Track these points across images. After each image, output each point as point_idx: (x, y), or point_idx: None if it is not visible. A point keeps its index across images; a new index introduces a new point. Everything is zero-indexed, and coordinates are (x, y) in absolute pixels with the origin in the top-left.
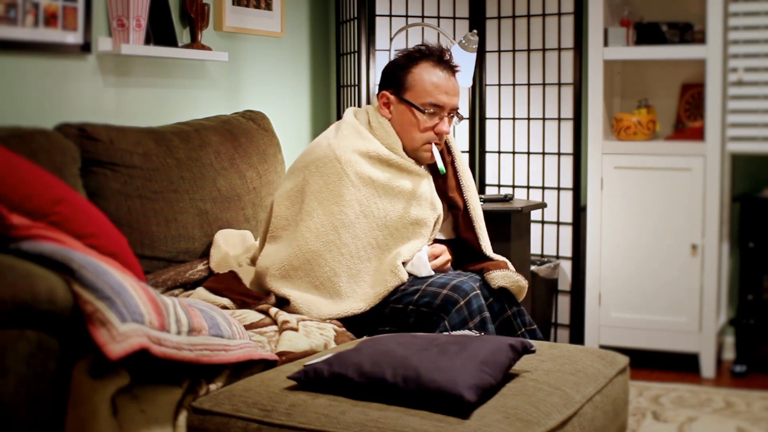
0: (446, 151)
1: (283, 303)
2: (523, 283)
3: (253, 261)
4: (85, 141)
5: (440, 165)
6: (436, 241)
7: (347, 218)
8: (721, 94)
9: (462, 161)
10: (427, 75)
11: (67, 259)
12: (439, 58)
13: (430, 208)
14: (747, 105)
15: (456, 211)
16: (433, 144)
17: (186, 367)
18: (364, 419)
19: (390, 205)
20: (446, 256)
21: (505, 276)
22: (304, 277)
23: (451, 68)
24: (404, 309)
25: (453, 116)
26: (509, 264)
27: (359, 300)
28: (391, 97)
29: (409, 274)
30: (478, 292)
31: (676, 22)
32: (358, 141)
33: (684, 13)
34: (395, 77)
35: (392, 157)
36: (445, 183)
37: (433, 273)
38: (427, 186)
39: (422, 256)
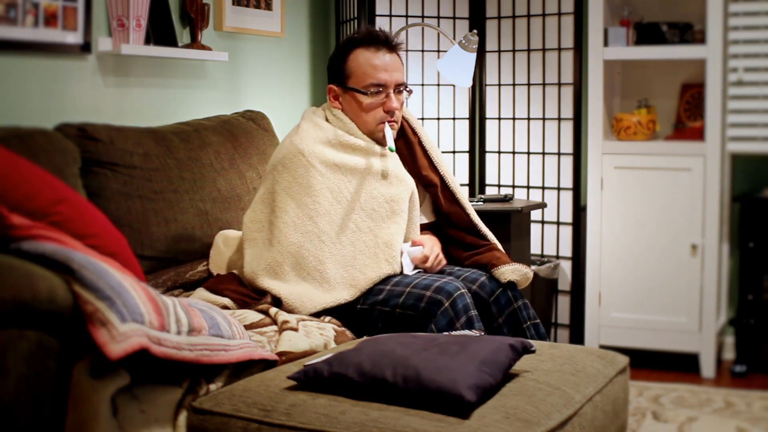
0: (411, 132)
1: (278, 303)
2: (530, 274)
3: None
4: (85, 141)
5: (389, 143)
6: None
7: (321, 207)
8: (721, 94)
9: (429, 139)
10: (362, 58)
11: (67, 259)
12: (371, 39)
13: (400, 183)
14: (747, 105)
15: (434, 189)
16: (386, 123)
17: (186, 367)
18: (364, 419)
19: (360, 187)
20: (439, 259)
21: (515, 270)
22: (291, 271)
23: (386, 46)
24: (392, 312)
25: (401, 91)
26: (499, 245)
27: (349, 286)
28: (337, 89)
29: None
30: (463, 291)
31: (676, 22)
32: (318, 132)
33: (684, 13)
34: (336, 69)
35: (352, 140)
36: (415, 163)
37: (418, 270)
38: (394, 164)
39: (405, 257)
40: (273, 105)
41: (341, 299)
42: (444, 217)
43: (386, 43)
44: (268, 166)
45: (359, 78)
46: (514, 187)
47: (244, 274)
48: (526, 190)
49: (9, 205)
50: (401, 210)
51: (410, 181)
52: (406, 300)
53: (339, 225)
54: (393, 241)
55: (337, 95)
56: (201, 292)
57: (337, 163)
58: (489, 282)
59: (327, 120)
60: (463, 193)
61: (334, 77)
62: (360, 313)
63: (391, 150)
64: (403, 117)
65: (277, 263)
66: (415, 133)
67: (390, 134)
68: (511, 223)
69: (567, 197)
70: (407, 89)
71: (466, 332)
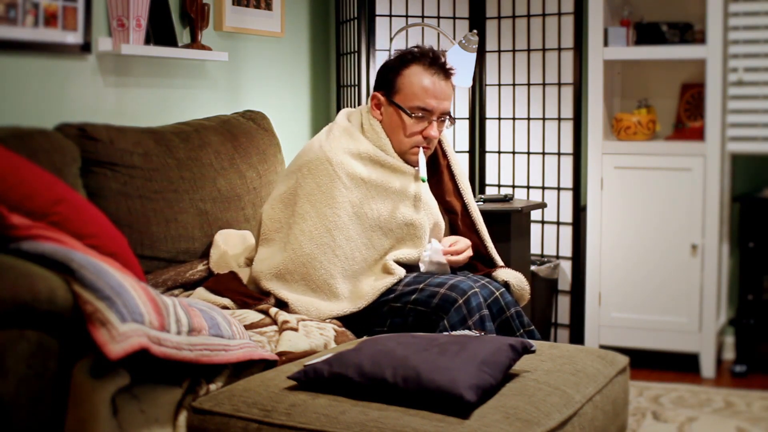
0: (441, 155)
1: (282, 305)
2: (527, 294)
3: (250, 262)
4: (85, 141)
5: (422, 173)
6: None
7: (340, 220)
8: (721, 94)
9: (458, 164)
10: (416, 78)
11: (67, 259)
12: (432, 60)
13: (425, 209)
14: (747, 105)
15: (453, 216)
16: (421, 149)
17: (186, 367)
18: (364, 419)
19: (383, 206)
20: (469, 252)
21: (516, 277)
22: (300, 281)
23: (443, 71)
24: (403, 308)
25: (444, 120)
26: None
27: (356, 299)
28: (382, 98)
29: (412, 268)
30: (477, 290)
31: (676, 22)
32: (349, 142)
33: (684, 13)
34: (387, 79)
35: (383, 157)
36: (440, 187)
37: (444, 261)
38: (420, 187)
39: (436, 246)
40: (273, 105)
41: (347, 310)
42: None
43: (443, 69)
44: (292, 164)
45: (407, 96)
46: (514, 187)
47: (251, 270)
48: (526, 190)
49: (9, 205)
50: (417, 236)
51: (435, 210)
52: (419, 296)
53: (355, 241)
54: (395, 253)
55: (380, 104)
56: (201, 292)
57: (364, 178)
58: (482, 290)
59: (362, 127)
60: (482, 224)
61: (382, 86)
62: (368, 311)
63: (423, 180)
64: None
65: (287, 270)
66: (445, 156)
67: (423, 163)
68: (511, 223)
69: (567, 197)
70: (451, 119)
71: (466, 332)
